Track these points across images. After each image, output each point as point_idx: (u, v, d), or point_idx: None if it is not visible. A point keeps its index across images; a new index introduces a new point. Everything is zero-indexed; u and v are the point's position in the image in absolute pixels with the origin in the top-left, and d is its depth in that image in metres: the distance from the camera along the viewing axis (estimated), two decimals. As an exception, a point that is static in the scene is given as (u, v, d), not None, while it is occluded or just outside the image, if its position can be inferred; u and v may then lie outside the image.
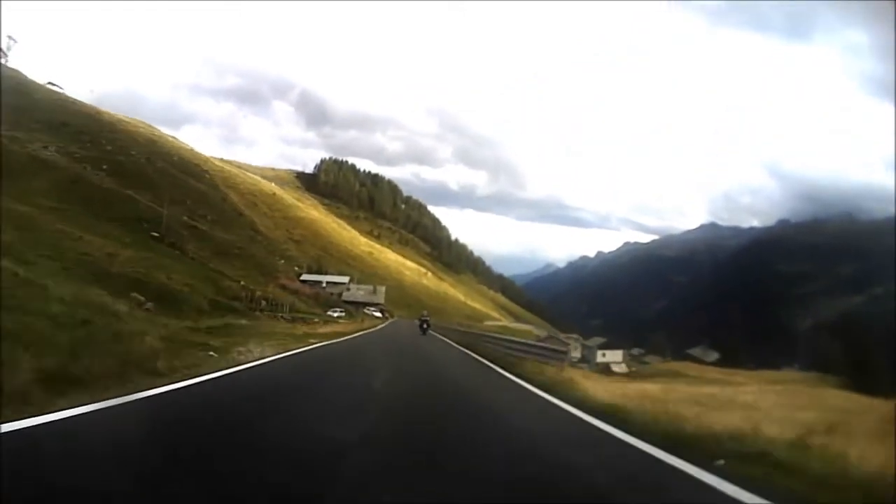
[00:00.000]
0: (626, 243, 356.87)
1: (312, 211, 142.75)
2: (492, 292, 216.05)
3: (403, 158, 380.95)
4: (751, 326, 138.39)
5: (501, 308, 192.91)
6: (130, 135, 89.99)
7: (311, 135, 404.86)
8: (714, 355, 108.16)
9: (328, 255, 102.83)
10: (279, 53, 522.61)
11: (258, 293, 41.29)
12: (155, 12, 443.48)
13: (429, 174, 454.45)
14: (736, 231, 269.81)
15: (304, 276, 76.57)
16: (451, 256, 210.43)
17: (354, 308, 70.57)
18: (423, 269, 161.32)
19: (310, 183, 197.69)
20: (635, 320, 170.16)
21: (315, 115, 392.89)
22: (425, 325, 32.10)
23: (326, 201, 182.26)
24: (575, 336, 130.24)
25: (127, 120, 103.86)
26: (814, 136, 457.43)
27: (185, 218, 55.64)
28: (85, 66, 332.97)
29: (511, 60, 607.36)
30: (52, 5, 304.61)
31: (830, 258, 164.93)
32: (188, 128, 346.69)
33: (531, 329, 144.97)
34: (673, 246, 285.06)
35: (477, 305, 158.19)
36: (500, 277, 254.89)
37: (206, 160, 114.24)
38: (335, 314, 53.36)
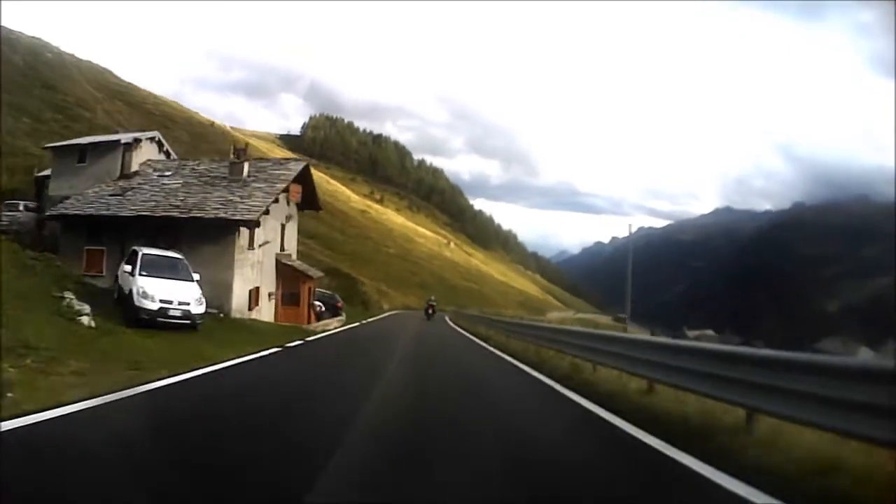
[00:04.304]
0: (641, 228, 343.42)
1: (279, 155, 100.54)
2: (529, 273, 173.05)
3: (416, 149, 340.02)
4: (784, 310, 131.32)
5: (546, 292, 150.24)
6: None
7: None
8: (861, 349, 69.33)
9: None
10: (286, 44, 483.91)
11: None
12: (159, 5, 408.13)
13: (442, 165, 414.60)
14: (751, 215, 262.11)
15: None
16: (475, 228, 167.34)
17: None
18: (443, 239, 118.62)
19: (294, 144, 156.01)
20: (656, 304, 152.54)
21: (325, 105, 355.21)
22: (430, 311, 34.34)
23: (314, 161, 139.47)
24: (710, 332, 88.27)
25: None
26: (826, 117, 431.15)
27: None
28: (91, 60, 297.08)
29: (521, 47, 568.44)
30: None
31: (851, 240, 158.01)
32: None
33: (614, 321, 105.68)
34: (688, 230, 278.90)
35: (522, 288, 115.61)
36: (535, 256, 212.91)
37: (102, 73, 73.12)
38: None
